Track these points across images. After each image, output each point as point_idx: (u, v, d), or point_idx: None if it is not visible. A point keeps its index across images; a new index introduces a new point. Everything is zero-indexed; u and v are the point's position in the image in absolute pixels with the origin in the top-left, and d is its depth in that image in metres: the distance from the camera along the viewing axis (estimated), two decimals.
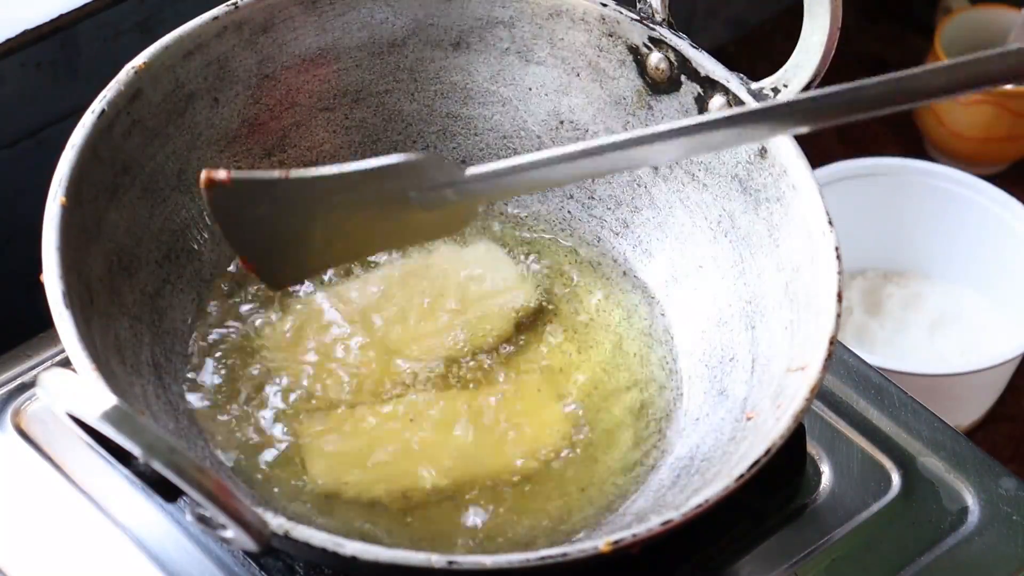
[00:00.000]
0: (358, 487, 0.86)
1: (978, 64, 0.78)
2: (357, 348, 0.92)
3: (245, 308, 0.94)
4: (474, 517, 0.87)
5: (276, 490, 0.86)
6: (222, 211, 0.84)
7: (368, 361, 0.92)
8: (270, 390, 0.90)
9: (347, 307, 0.94)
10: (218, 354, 0.92)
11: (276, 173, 0.83)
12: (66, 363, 0.80)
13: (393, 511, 0.86)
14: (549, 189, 0.83)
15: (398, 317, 0.94)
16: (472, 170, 0.83)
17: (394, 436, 0.88)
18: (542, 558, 0.75)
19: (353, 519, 0.86)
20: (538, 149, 0.99)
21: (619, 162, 0.82)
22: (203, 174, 0.82)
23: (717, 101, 0.93)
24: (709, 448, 0.87)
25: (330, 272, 0.96)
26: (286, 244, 0.86)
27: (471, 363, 0.93)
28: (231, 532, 0.73)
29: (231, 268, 0.95)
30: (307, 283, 0.95)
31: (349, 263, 0.87)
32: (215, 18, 0.93)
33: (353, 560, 0.75)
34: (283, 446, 0.88)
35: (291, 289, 0.94)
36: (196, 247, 0.94)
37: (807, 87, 0.90)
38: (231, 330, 0.93)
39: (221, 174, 0.82)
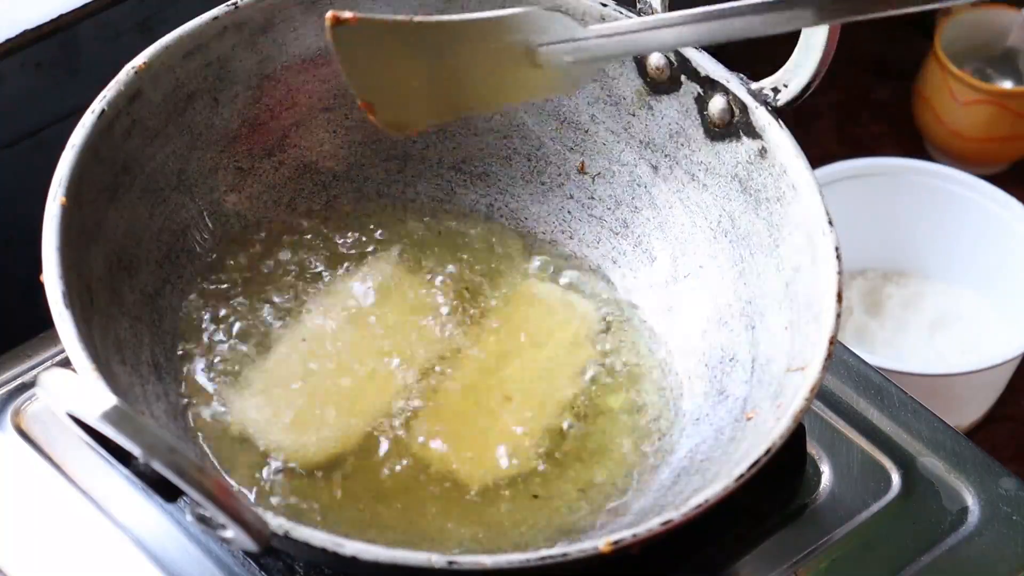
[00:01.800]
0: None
1: None
2: (353, 348, 0.92)
3: (244, 308, 0.94)
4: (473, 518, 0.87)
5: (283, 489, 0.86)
6: (346, 51, 0.83)
7: (367, 357, 0.92)
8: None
9: (342, 309, 0.94)
10: (218, 354, 0.92)
11: (402, 17, 0.84)
12: (66, 363, 0.80)
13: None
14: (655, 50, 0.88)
15: (397, 322, 0.94)
16: (593, 28, 0.86)
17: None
18: (542, 558, 0.75)
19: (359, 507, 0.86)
20: (538, 149, 1.00)
21: (734, 31, 0.83)
22: (329, 13, 0.82)
23: (717, 101, 0.93)
24: (709, 448, 0.87)
25: (328, 268, 0.96)
26: (406, 90, 0.86)
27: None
28: (231, 532, 0.73)
29: (229, 268, 0.95)
30: (302, 287, 0.95)
31: (466, 115, 0.88)
32: (215, 18, 0.93)
33: (353, 560, 0.75)
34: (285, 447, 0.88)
35: (286, 294, 0.95)
36: (196, 247, 0.94)
37: (807, 87, 0.90)
38: (231, 330, 0.93)
39: (347, 14, 0.82)
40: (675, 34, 0.84)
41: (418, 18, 0.84)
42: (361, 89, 0.85)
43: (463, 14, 0.85)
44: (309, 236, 0.98)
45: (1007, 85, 1.64)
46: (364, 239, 0.98)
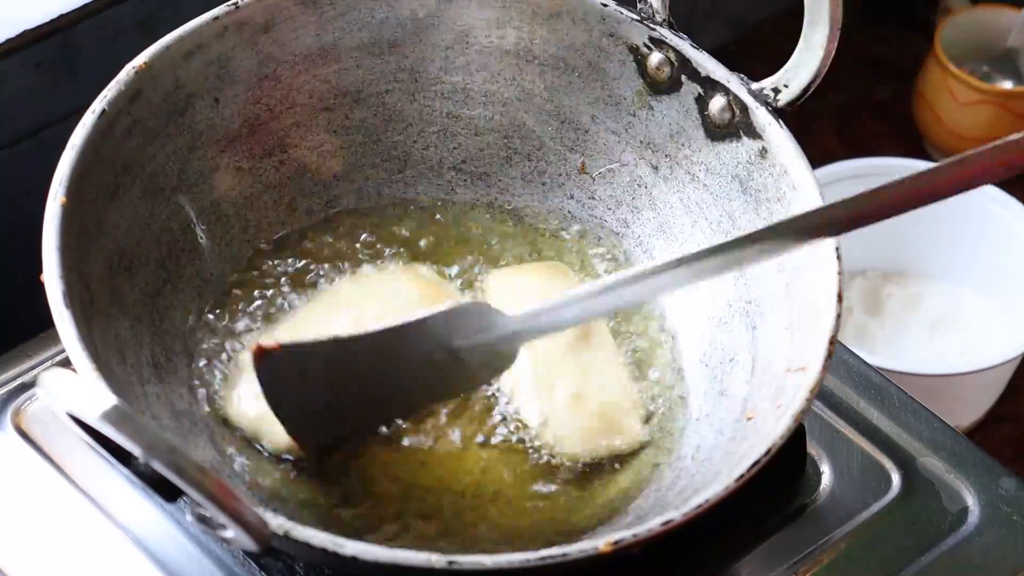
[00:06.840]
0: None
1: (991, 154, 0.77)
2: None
3: (245, 308, 0.94)
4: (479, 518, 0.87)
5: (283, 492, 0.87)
6: (269, 380, 0.84)
7: None
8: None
9: (343, 311, 0.94)
10: (218, 354, 0.92)
11: (325, 337, 0.84)
12: (66, 363, 0.80)
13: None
14: (587, 314, 0.87)
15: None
16: (514, 313, 0.86)
17: None
18: (542, 558, 0.75)
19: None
20: (538, 150, 1.00)
21: (660, 287, 0.84)
22: (253, 345, 0.83)
23: (717, 101, 0.93)
24: (709, 448, 0.87)
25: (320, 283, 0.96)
26: (333, 410, 0.86)
27: None
28: (231, 532, 0.73)
29: (229, 268, 0.95)
30: (303, 287, 0.95)
31: (393, 422, 0.89)
32: (215, 18, 0.93)
33: (353, 560, 0.75)
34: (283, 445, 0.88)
35: (287, 294, 0.95)
36: (196, 247, 0.94)
37: (807, 87, 0.90)
38: (231, 330, 0.93)
39: (270, 343, 0.83)
40: (602, 303, 0.85)
41: (342, 335, 0.85)
42: (284, 417, 0.85)
43: (382, 323, 0.85)
44: (310, 237, 0.98)
45: (1007, 85, 1.64)
46: (365, 240, 0.98)
